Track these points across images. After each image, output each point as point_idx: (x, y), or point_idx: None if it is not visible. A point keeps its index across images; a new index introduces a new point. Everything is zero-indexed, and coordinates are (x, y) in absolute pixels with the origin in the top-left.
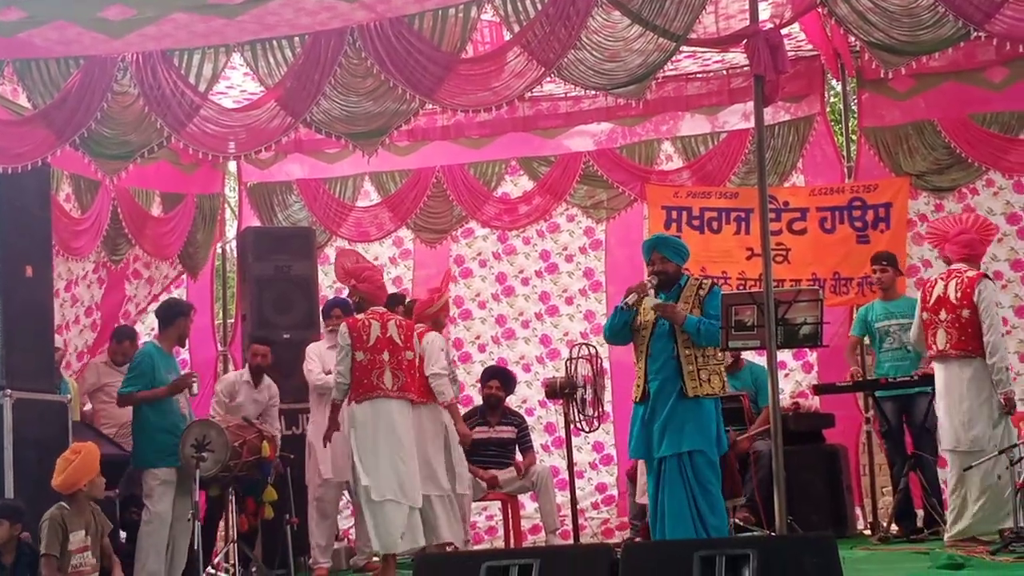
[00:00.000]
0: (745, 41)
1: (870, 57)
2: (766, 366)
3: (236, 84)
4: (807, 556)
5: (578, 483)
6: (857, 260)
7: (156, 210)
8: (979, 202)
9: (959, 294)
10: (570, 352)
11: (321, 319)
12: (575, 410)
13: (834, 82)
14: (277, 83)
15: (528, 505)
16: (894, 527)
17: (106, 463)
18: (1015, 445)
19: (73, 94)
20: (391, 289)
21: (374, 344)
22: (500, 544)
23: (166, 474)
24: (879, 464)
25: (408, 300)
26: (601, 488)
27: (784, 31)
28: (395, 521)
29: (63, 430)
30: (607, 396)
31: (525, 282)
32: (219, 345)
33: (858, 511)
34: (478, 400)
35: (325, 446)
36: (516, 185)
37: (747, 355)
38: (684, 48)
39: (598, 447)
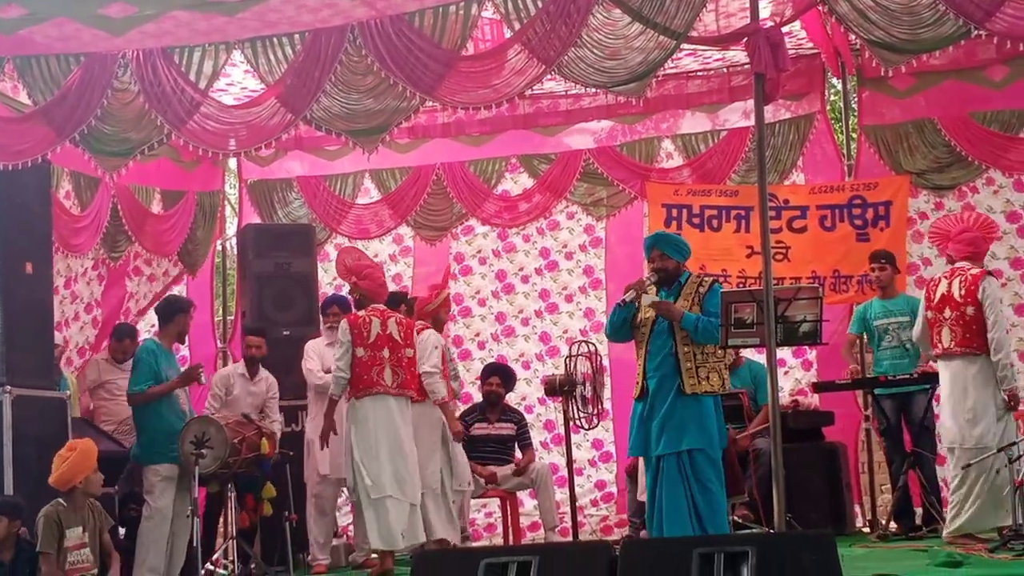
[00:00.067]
0: (746, 39)
1: (870, 55)
2: (765, 364)
3: (236, 81)
4: (806, 553)
5: (577, 480)
6: (857, 258)
7: (156, 207)
8: (979, 200)
9: (963, 292)
10: (569, 349)
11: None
12: (574, 407)
13: (834, 80)
14: (277, 80)
15: (527, 502)
16: (893, 525)
17: (105, 460)
18: (1014, 443)
19: (73, 91)
20: (391, 287)
21: (375, 341)
22: (499, 541)
23: (168, 470)
24: (878, 462)
25: (410, 298)
26: (600, 485)
27: (785, 29)
28: (395, 518)
29: (62, 426)
30: (606, 393)
31: (525, 280)
32: (219, 342)
33: (857, 509)
34: (478, 397)
35: (323, 448)
36: (516, 183)
37: (746, 353)
38: (685, 46)
39: (597, 444)
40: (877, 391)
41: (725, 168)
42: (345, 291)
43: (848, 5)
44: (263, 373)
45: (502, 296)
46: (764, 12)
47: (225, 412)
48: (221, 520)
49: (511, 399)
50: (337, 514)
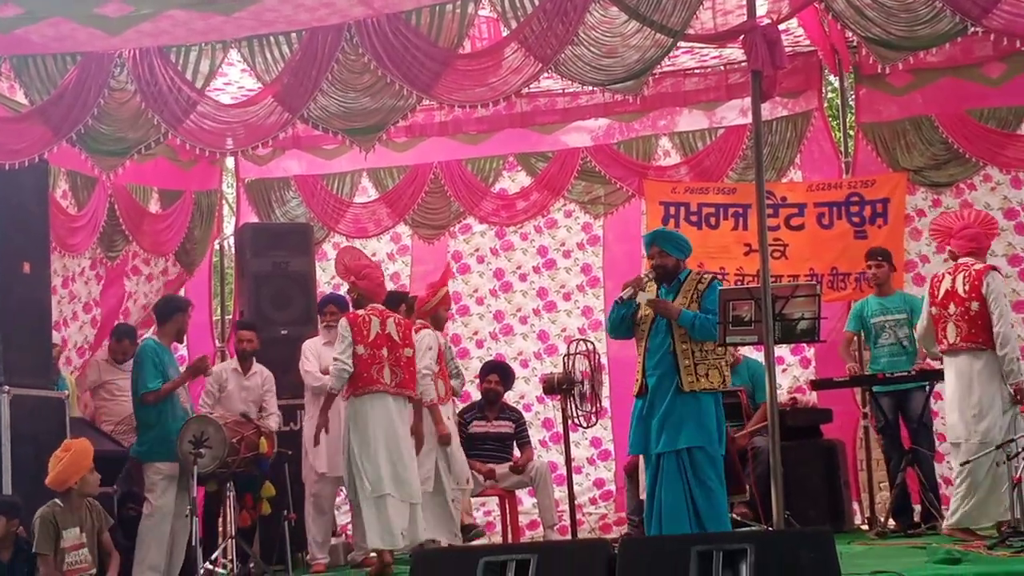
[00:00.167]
0: (742, 37)
1: (867, 52)
2: (764, 361)
3: (233, 80)
4: (804, 551)
5: (576, 478)
6: (855, 255)
7: (154, 206)
8: (976, 197)
9: (967, 287)
10: (568, 348)
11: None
12: (573, 406)
13: (832, 78)
14: (274, 79)
15: (526, 500)
16: (891, 522)
17: (104, 459)
18: (1011, 440)
19: (70, 90)
20: (389, 286)
21: (374, 340)
22: (498, 539)
23: (169, 468)
24: (876, 459)
25: (410, 297)
26: (599, 483)
27: (781, 27)
28: (395, 517)
29: (60, 426)
30: (605, 392)
31: (523, 278)
32: (217, 341)
33: (855, 506)
34: (476, 396)
35: (316, 444)
36: (514, 181)
37: (745, 350)
38: (681, 44)
39: (596, 443)
40: (875, 388)
41: (723, 166)
42: (343, 290)
43: (845, 2)
44: (257, 367)
45: (500, 294)
46: (761, 9)
47: (219, 409)
48: (220, 519)
49: (510, 397)
50: (336, 513)
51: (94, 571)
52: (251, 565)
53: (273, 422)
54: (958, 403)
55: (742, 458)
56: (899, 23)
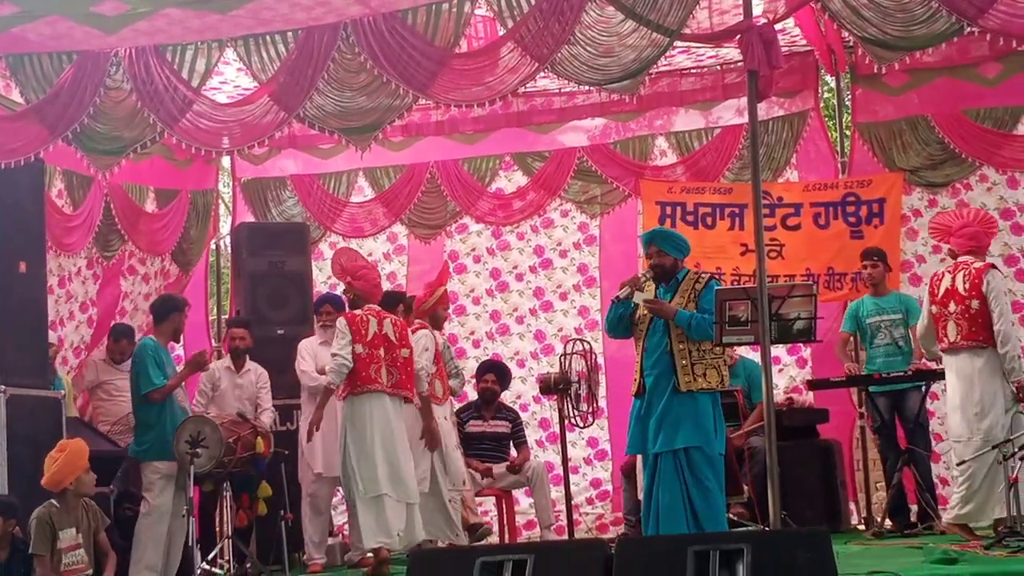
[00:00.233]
0: (739, 36)
1: (864, 52)
2: (760, 361)
3: (229, 79)
4: (801, 551)
5: (573, 478)
6: (851, 255)
7: (150, 206)
8: (973, 197)
9: (967, 285)
10: (564, 348)
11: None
12: (569, 406)
13: (828, 77)
14: (270, 78)
15: (523, 500)
16: (888, 522)
17: (101, 459)
18: (1008, 440)
19: (66, 89)
20: (386, 286)
21: (372, 339)
22: (495, 539)
23: (167, 467)
24: (873, 459)
25: (408, 297)
26: (596, 483)
27: (778, 26)
28: (392, 517)
29: (57, 426)
30: (601, 392)
31: (519, 278)
32: (213, 341)
33: (852, 506)
34: (473, 395)
35: (309, 440)
36: (510, 180)
37: (741, 350)
38: (678, 43)
39: (592, 443)
40: (871, 388)
41: (719, 166)
42: (339, 290)
43: (841, 2)
44: (250, 365)
45: (496, 294)
46: (757, 9)
47: (213, 408)
48: (217, 519)
49: (506, 397)
50: (332, 513)
51: (91, 571)
52: (248, 565)
53: (267, 418)
54: (960, 402)
55: (739, 458)
56: (895, 23)
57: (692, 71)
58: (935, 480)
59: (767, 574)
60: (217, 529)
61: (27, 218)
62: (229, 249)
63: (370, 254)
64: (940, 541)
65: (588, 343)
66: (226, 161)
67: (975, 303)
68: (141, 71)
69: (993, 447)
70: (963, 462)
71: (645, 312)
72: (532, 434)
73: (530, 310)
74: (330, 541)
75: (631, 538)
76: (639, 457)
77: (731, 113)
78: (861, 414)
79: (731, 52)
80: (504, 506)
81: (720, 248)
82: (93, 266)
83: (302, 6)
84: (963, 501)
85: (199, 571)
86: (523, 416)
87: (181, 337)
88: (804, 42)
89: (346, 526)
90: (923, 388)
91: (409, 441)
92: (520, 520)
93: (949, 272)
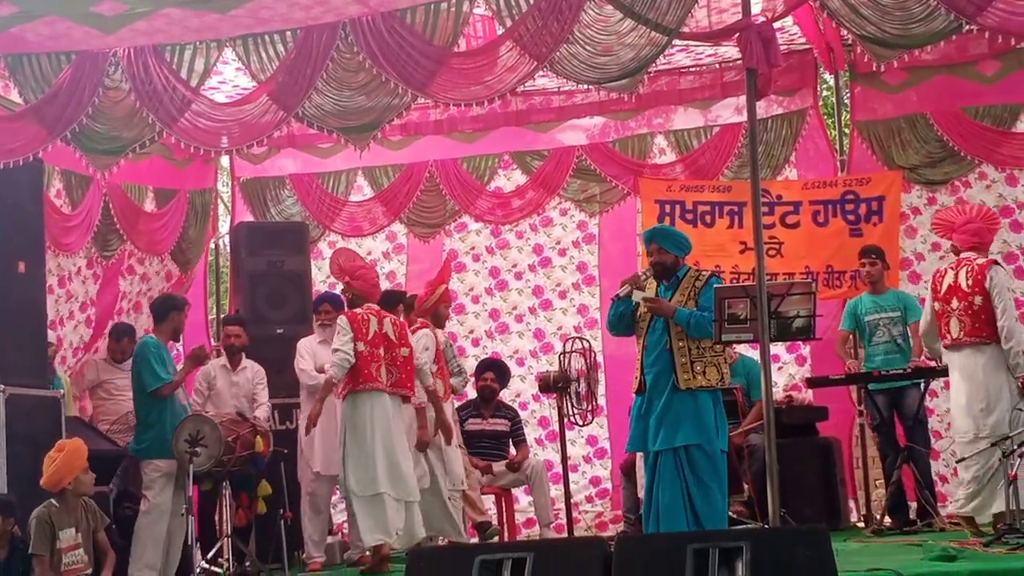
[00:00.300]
0: (737, 35)
1: (862, 50)
2: (759, 359)
3: (228, 79)
4: (800, 549)
5: (572, 477)
6: (850, 253)
7: (149, 205)
8: (972, 195)
9: (970, 281)
10: (563, 346)
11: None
12: (569, 404)
13: (827, 75)
14: (269, 77)
15: (522, 499)
16: (887, 519)
17: (100, 459)
18: (1007, 437)
19: (64, 89)
20: (385, 285)
21: (372, 338)
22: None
23: (168, 466)
24: (872, 457)
25: (409, 296)
26: (595, 481)
27: (776, 25)
28: (391, 515)
29: (56, 425)
30: (600, 390)
31: (518, 276)
32: (213, 340)
33: (851, 504)
34: (472, 395)
35: (307, 433)
36: (509, 179)
37: (740, 348)
38: (676, 42)
39: (592, 441)
40: (870, 386)
41: (718, 164)
42: (338, 289)
43: (840, 0)
44: (246, 362)
45: (495, 293)
46: (756, 8)
47: (210, 407)
48: (217, 518)
49: (505, 395)
50: (332, 511)
51: (90, 571)
52: (247, 564)
53: (262, 412)
54: (965, 399)
55: (738, 456)
56: (894, 21)
57: (691, 69)
58: (934, 477)
59: (766, 572)
60: (217, 528)
61: (26, 218)
62: (228, 248)
63: (369, 253)
64: (939, 538)
65: (587, 341)
66: (225, 160)
67: (978, 299)
68: (140, 71)
69: (992, 444)
70: (963, 459)
71: (645, 309)
72: (531, 432)
73: (529, 308)
74: (329, 540)
75: (630, 536)
76: (638, 455)
77: (730, 111)
78: (860, 412)
79: (730, 50)
80: (503, 504)
81: (719, 246)
82: (93, 266)
83: (301, 5)
84: (971, 496)
85: (199, 570)
86: (522, 414)
87: (181, 337)
88: (803, 40)
89: (345, 524)
90: (922, 386)
91: (411, 439)
92: (519, 518)
93: (952, 268)
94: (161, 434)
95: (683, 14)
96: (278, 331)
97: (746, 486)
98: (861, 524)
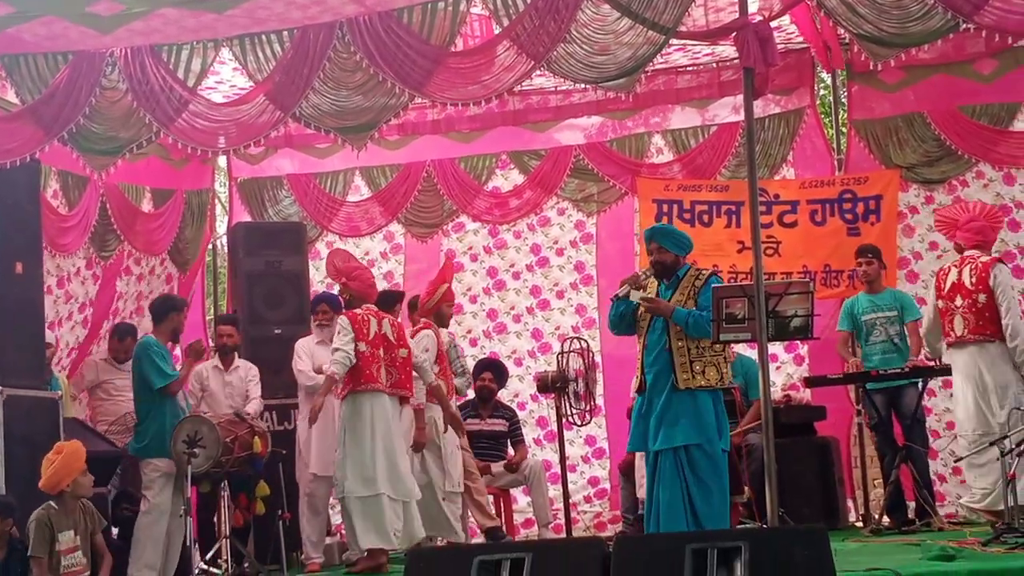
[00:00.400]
0: (735, 34)
1: (860, 49)
2: (757, 359)
3: (225, 79)
4: (799, 548)
5: (570, 477)
6: (848, 252)
7: (147, 206)
8: (969, 194)
9: (974, 279)
10: (561, 346)
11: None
12: (567, 404)
13: (824, 74)
14: (266, 77)
15: (521, 499)
16: (886, 519)
17: (98, 460)
18: (1005, 436)
19: (61, 89)
20: (383, 285)
21: (372, 339)
22: None
23: (167, 465)
24: (870, 456)
25: (412, 297)
26: (594, 482)
27: (774, 24)
28: (390, 516)
29: (54, 426)
30: (599, 390)
31: (516, 276)
32: (210, 340)
33: (850, 503)
34: (471, 393)
35: (311, 425)
36: (507, 179)
37: (738, 348)
38: (674, 41)
39: (590, 441)
40: (868, 385)
41: (715, 163)
42: (335, 290)
43: None
44: (239, 362)
45: (493, 293)
46: (753, 7)
47: (203, 408)
48: (215, 519)
49: (503, 396)
50: (330, 512)
51: (88, 573)
52: (246, 565)
53: (252, 408)
54: (971, 396)
55: (737, 455)
56: (891, 20)
57: (688, 69)
58: (932, 477)
59: (765, 572)
60: (215, 529)
61: (24, 218)
62: (226, 249)
63: (367, 253)
64: (938, 538)
65: (585, 341)
66: (222, 161)
67: (982, 297)
68: (137, 71)
69: (991, 443)
70: (960, 459)
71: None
72: (530, 432)
73: (527, 308)
74: (328, 540)
75: (629, 536)
76: (637, 455)
77: (727, 111)
78: (858, 411)
79: (727, 50)
80: (502, 504)
81: (717, 246)
82: (92, 266)
83: (297, 5)
84: (993, 487)
85: (197, 570)
86: (521, 414)
87: (180, 337)
88: (800, 39)
89: (344, 525)
90: (920, 385)
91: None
92: (518, 519)
93: (955, 267)
94: (161, 434)
95: (680, 13)
96: (276, 331)
97: (747, 489)
98: (859, 524)
